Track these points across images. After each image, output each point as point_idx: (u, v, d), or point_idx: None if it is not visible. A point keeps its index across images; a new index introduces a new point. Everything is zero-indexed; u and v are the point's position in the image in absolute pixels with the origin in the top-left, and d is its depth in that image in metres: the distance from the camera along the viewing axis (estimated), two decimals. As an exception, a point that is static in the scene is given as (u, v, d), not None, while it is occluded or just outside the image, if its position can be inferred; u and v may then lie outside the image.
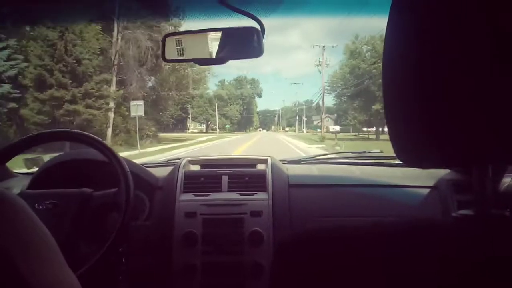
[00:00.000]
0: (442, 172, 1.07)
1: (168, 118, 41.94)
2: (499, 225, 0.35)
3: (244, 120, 52.54)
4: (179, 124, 45.41)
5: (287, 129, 56.38)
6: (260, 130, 56.99)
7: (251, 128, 55.04)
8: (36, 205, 0.84)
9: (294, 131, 44.41)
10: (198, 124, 47.22)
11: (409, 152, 0.34)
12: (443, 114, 0.28)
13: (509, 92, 0.26)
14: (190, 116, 43.50)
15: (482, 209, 0.35)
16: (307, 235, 0.39)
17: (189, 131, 43.58)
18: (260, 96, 54.91)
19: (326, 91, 22.79)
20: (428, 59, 0.28)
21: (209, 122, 45.53)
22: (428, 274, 0.32)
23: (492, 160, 0.33)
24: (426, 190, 1.03)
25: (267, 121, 69.73)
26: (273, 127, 65.50)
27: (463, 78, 0.27)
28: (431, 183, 1.04)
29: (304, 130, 42.25)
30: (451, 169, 1.07)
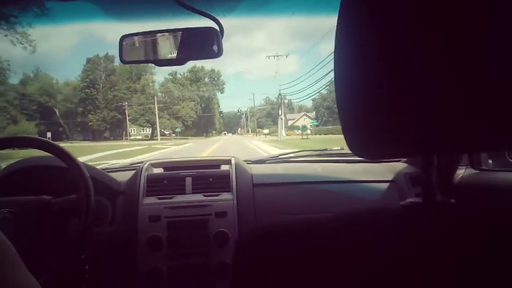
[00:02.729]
0: (400, 167, 1.40)
1: (99, 122, 37.58)
2: (444, 212, 0.44)
3: (204, 122, 50.69)
4: (117, 129, 41.97)
5: (266, 131, 49.70)
6: (225, 134, 54.67)
7: (213, 132, 53.00)
8: None
9: (277, 135, 37.01)
10: (142, 129, 44.16)
11: (361, 145, 0.43)
12: (391, 108, 0.35)
13: (453, 86, 0.32)
14: (127, 117, 40.33)
15: (429, 197, 0.44)
16: (266, 231, 0.49)
17: (130, 138, 40.82)
18: (222, 91, 52.76)
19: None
20: (378, 54, 0.35)
21: (154, 126, 42.43)
22: (394, 260, 0.40)
23: (436, 151, 0.42)
24: (386, 184, 1.35)
25: (233, 123, 69.69)
26: (239, 129, 64.90)
27: (410, 72, 0.33)
28: (389, 178, 1.36)
29: (284, 132, 38.56)
30: (408, 163, 1.41)
